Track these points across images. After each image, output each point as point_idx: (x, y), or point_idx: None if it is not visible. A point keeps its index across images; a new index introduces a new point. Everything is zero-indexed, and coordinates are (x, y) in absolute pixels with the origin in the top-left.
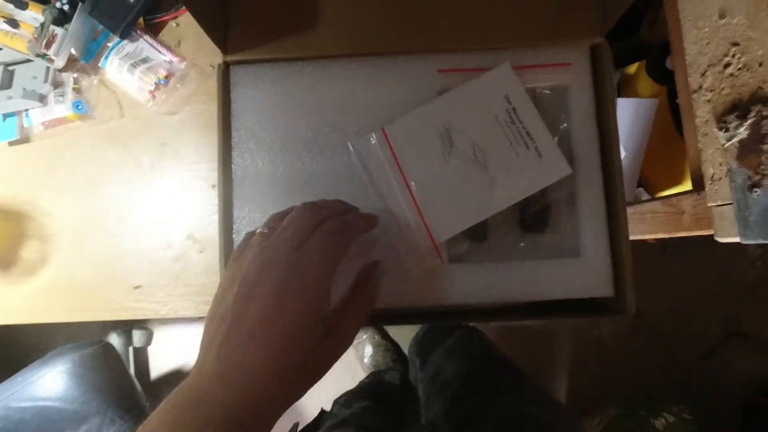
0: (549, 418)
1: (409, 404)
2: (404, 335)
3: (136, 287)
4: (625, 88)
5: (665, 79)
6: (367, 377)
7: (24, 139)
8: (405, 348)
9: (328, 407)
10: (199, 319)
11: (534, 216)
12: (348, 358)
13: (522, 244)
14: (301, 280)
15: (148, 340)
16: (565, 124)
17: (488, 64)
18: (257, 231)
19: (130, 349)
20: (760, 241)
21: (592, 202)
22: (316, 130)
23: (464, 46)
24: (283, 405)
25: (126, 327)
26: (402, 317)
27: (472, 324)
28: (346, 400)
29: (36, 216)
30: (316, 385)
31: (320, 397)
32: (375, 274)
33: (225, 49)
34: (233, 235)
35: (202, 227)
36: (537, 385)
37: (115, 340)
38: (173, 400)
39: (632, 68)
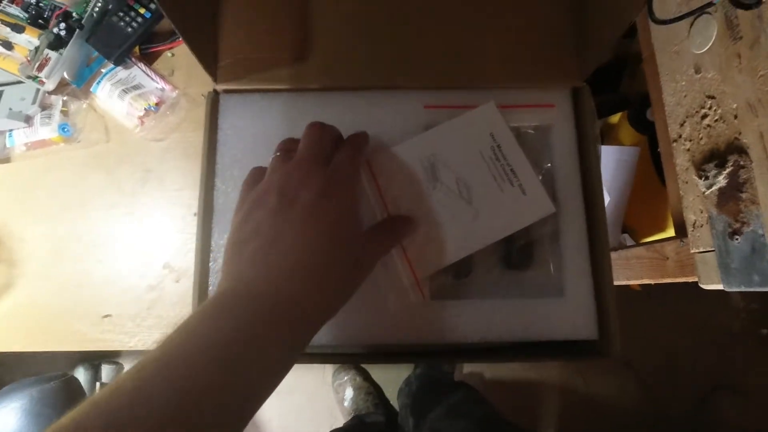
0: None
1: None
2: (387, 378)
3: (105, 316)
4: (609, 137)
5: (646, 128)
6: (350, 420)
7: (4, 159)
8: (387, 391)
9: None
10: None
11: (518, 253)
12: (327, 400)
13: (506, 282)
14: (340, 191)
15: (118, 376)
16: (549, 164)
17: (474, 102)
18: (273, 157)
19: (98, 385)
20: (743, 289)
21: (576, 241)
22: None
23: (451, 84)
24: (323, 315)
25: (95, 361)
26: (383, 356)
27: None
28: None
29: (5, 239)
30: (286, 398)
31: (293, 409)
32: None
33: (215, 76)
34: (210, 264)
35: (181, 256)
36: None
37: (81, 374)
38: (206, 307)
39: (615, 118)
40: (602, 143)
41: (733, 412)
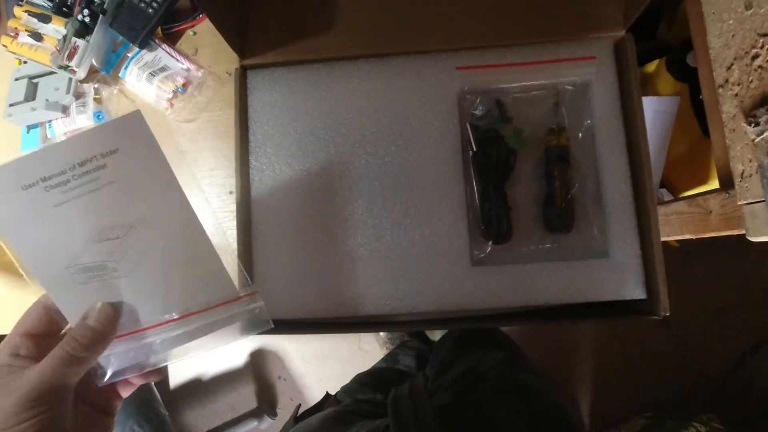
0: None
1: None
2: None
3: None
4: (645, 87)
5: (686, 75)
6: (383, 360)
7: None
8: None
9: (333, 391)
10: None
11: (559, 216)
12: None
13: (547, 246)
14: None
15: None
16: (588, 121)
17: (508, 60)
18: None
19: None
20: None
21: (620, 201)
22: (333, 131)
23: (482, 42)
24: None
25: None
26: (426, 323)
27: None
28: (353, 387)
29: None
30: (322, 368)
31: (327, 381)
32: None
33: (242, 53)
34: (251, 240)
35: (219, 234)
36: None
37: None
38: None
39: (651, 66)
40: None
41: None
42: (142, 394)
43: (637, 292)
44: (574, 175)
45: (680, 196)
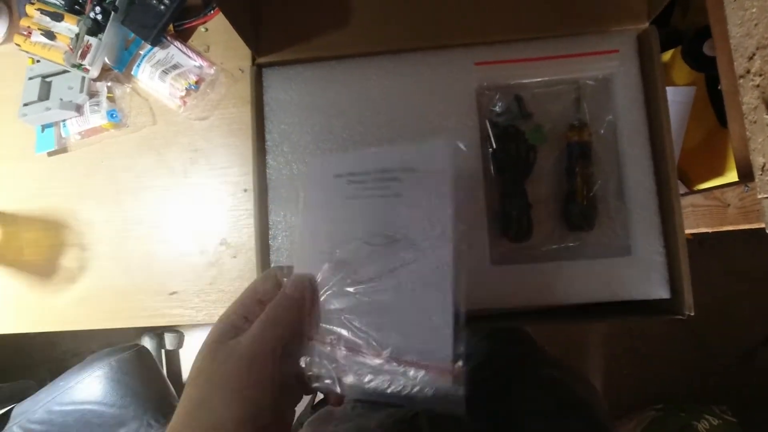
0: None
1: None
2: None
3: (172, 293)
4: None
5: (703, 65)
6: None
7: (62, 150)
8: None
9: None
10: None
11: (580, 213)
12: None
13: (568, 244)
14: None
15: (180, 343)
16: (611, 116)
17: (528, 54)
18: None
19: (162, 351)
20: None
21: (643, 197)
22: (350, 129)
23: (502, 37)
24: None
25: (158, 330)
26: None
27: None
28: None
29: (74, 225)
30: None
31: None
32: None
33: (257, 50)
34: (269, 241)
35: (236, 232)
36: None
37: (147, 343)
38: None
39: (666, 56)
40: None
41: None
42: (159, 388)
43: (661, 291)
44: (595, 171)
45: (695, 188)
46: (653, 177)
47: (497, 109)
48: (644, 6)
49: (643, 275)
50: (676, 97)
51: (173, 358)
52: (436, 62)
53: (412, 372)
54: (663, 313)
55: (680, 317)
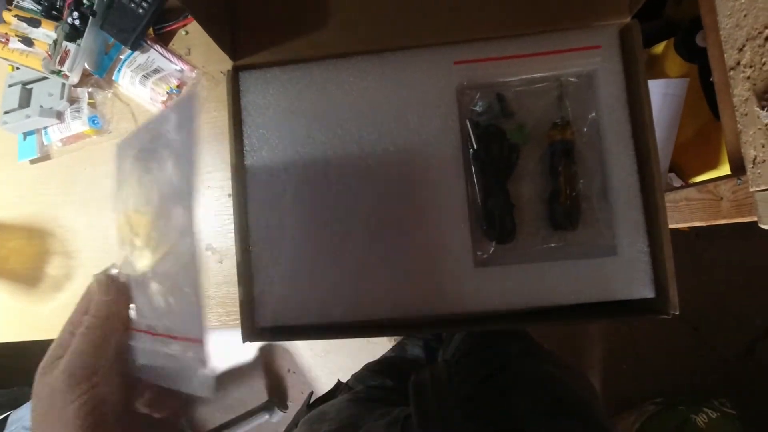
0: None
1: None
2: None
3: None
4: (653, 69)
5: (696, 56)
6: (391, 350)
7: (44, 157)
8: None
9: (344, 379)
10: (222, 329)
11: (564, 212)
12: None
13: (552, 244)
14: None
15: None
16: (593, 113)
17: (509, 52)
18: None
19: None
20: None
21: (627, 195)
22: (329, 132)
23: (480, 34)
24: None
25: None
26: (428, 325)
27: None
28: (363, 374)
29: (59, 232)
30: (331, 361)
31: (336, 373)
32: None
33: (234, 54)
34: (250, 246)
35: (221, 237)
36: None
37: None
38: None
39: (659, 47)
40: None
41: None
42: None
43: (646, 291)
44: (579, 170)
45: (690, 180)
46: (637, 174)
47: (478, 108)
48: (626, 0)
49: (628, 275)
50: (669, 90)
51: None
52: (415, 62)
53: (173, 344)
54: (649, 312)
55: (665, 317)
